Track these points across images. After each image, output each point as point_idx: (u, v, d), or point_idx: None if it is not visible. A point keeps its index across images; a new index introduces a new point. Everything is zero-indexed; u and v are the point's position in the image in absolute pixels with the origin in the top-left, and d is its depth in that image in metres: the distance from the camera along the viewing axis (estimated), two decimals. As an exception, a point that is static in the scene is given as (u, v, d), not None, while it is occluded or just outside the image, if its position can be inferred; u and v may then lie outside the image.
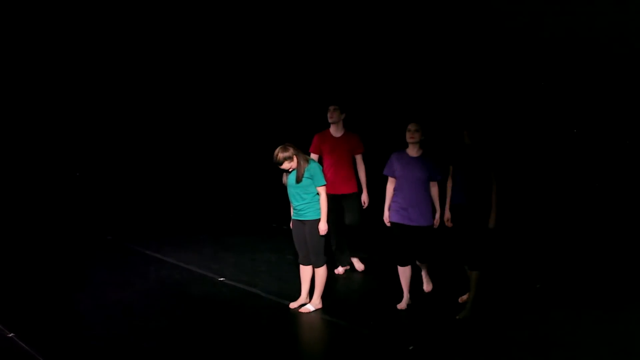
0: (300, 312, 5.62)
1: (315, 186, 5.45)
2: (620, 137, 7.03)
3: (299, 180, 5.42)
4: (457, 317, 5.33)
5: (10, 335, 5.12)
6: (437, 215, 5.57)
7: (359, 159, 6.61)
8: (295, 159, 5.40)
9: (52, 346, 4.90)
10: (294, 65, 10.07)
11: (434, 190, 5.56)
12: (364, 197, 6.62)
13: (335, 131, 6.59)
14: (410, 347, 4.79)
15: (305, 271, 5.73)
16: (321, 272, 5.61)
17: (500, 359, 4.62)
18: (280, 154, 5.37)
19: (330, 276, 5.69)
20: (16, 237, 8.45)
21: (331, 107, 6.53)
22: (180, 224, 9.71)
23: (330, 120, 6.54)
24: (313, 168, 5.43)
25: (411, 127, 5.47)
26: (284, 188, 5.70)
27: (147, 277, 6.79)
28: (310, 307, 5.64)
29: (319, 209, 5.47)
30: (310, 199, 5.48)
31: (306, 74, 9.93)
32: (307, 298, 5.77)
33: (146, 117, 11.49)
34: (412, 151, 5.53)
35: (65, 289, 6.36)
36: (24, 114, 10.56)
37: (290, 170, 5.47)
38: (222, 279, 6.69)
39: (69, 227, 9.07)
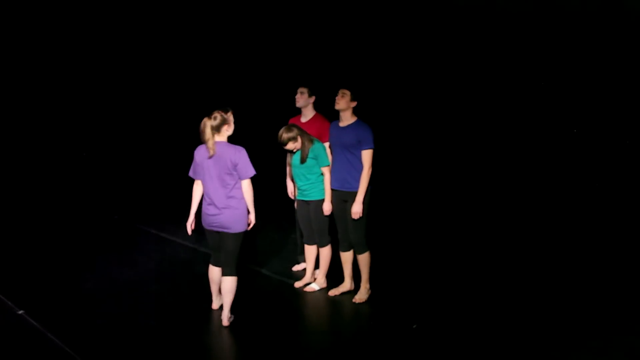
0: (305, 291, 5.68)
1: (320, 166, 5.46)
2: (620, 137, 6.98)
3: (303, 160, 5.44)
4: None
5: (20, 312, 5.21)
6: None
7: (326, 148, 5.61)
8: (299, 139, 5.41)
9: (61, 323, 4.99)
10: (286, 56, 10.01)
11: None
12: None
13: (303, 116, 5.87)
14: (414, 326, 4.85)
15: (310, 250, 5.78)
16: (326, 252, 5.66)
17: (501, 339, 4.67)
18: (284, 135, 5.38)
19: (335, 256, 5.72)
20: (24, 217, 8.52)
21: (298, 89, 5.80)
22: (186, 203, 9.71)
23: (297, 105, 5.81)
24: (317, 148, 5.44)
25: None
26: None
27: (154, 255, 6.86)
28: (315, 286, 5.70)
29: (323, 189, 5.50)
30: (314, 180, 5.50)
31: (299, 65, 9.86)
32: (312, 277, 5.82)
33: (152, 96, 11.49)
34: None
35: (73, 267, 6.43)
36: (31, 95, 10.59)
37: (294, 150, 5.49)
38: (227, 258, 6.73)
39: (76, 206, 9.12)
